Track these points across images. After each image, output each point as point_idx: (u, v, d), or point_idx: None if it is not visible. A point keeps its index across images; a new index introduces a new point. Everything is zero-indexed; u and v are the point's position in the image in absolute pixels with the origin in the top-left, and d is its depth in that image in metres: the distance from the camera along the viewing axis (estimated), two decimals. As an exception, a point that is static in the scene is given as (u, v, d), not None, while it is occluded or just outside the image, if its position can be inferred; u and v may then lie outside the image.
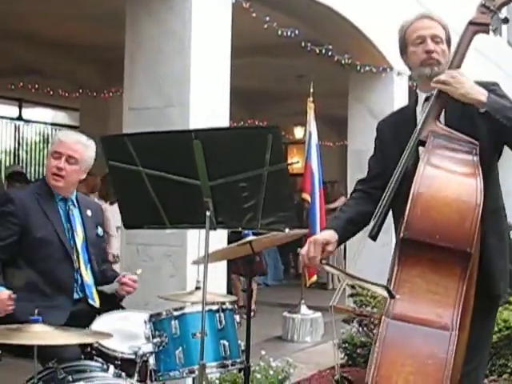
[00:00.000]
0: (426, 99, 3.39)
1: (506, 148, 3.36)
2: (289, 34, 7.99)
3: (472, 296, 3.04)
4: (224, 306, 3.91)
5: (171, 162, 3.32)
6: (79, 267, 4.23)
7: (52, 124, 16.39)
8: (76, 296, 4.21)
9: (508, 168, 8.48)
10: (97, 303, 4.30)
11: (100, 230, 4.48)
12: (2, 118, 15.37)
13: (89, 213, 4.41)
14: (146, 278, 5.86)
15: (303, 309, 9.15)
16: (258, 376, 5.56)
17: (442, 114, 3.34)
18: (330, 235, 3.40)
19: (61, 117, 16.59)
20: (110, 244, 8.60)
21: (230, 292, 8.87)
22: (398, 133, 3.48)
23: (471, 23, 3.35)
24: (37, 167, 16.11)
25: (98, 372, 3.60)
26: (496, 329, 6.06)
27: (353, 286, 7.04)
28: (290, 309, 9.30)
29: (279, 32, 7.86)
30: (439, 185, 3.01)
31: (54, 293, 4.09)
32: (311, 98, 9.34)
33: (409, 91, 10.19)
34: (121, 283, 4.28)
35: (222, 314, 3.87)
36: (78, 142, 4.28)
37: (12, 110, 15.51)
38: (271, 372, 5.71)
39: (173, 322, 3.79)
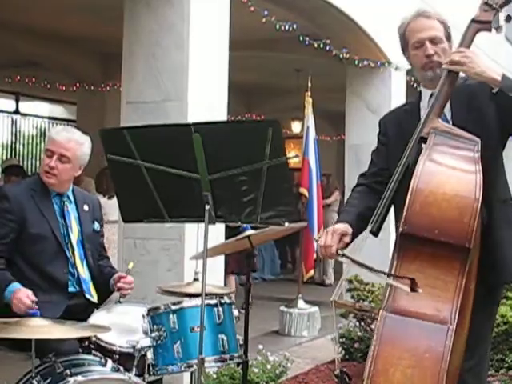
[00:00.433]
0: (432, 95, 3.38)
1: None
2: (287, 28, 7.98)
3: (471, 291, 3.04)
4: (222, 301, 3.90)
5: (170, 156, 3.31)
6: (75, 262, 4.21)
7: (49, 118, 16.37)
8: (72, 289, 4.19)
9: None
10: (94, 298, 4.28)
11: (97, 225, 4.46)
12: (-1, 111, 15.37)
13: (85, 208, 4.39)
14: (144, 271, 5.87)
15: (300, 303, 9.16)
16: (256, 370, 5.57)
17: (448, 107, 3.34)
18: (346, 227, 3.37)
19: (58, 110, 16.57)
20: None
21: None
22: (401, 128, 3.48)
23: (474, 21, 3.34)
24: (33, 161, 16.09)
25: (95, 366, 3.60)
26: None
27: (350, 281, 7.05)
28: (287, 303, 9.31)
29: (277, 26, 7.86)
30: (438, 181, 3.01)
31: (49, 287, 4.08)
32: (309, 93, 9.34)
33: (406, 86, 10.19)
34: (117, 289, 4.26)
35: (220, 309, 3.85)
36: (71, 140, 4.22)
37: (9, 104, 15.49)
38: (268, 366, 5.71)
39: (171, 316, 3.78)
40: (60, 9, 10.21)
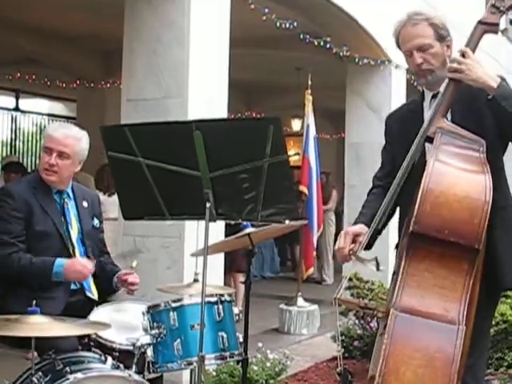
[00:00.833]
0: (433, 96, 3.39)
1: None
2: (287, 25, 7.97)
3: (477, 291, 3.06)
4: (222, 298, 3.90)
5: (171, 153, 3.31)
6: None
7: (49, 115, 16.35)
8: (73, 287, 4.20)
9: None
10: (95, 295, 4.28)
11: (96, 222, 4.46)
12: (-1, 108, 15.35)
13: (85, 204, 4.39)
14: (143, 269, 5.85)
15: (300, 301, 9.15)
16: (255, 368, 5.56)
17: (449, 112, 3.34)
18: (361, 227, 3.46)
19: (58, 108, 16.56)
20: None
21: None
22: (405, 128, 3.50)
23: (481, 22, 3.34)
24: (33, 158, 16.08)
25: (95, 363, 3.59)
26: (493, 322, 6.07)
27: (350, 279, 7.05)
28: (287, 301, 9.31)
29: (278, 24, 7.84)
30: (449, 182, 3.02)
31: (50, 284, 4.07)
32: (309, 91, 9.33)
33: (407, 84, 10.18)
34: (126, 284, 4.27)
35: (220, 306, 3.86)
36: (69, 137, 4.22)
37: (9, 101, 15.47)
38: (268, 364, 5.71)
39: (171, 313, 3.78)
40: (60, 6, 10.20)
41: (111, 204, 8.47)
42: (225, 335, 3.83)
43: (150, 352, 3.75)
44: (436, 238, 2.95)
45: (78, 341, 3.88)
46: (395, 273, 3.12)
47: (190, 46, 6.18)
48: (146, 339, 3.74)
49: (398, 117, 3.69)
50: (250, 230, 4.16)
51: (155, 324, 3.78)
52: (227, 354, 3.85)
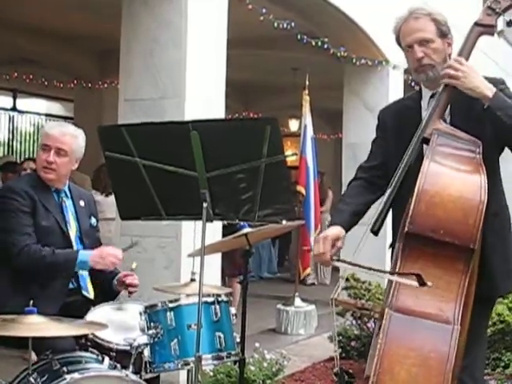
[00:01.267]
0: (432, 96, 3.38)
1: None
2: (285, 26, 7.97)
3: (473, 292, 3.05)
4: (219, 298, 3.91)
5: (168, 153, 3.31)
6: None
7: (46, 115, 16.34)
8: (70, 286, 4.20)
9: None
10: (91, 295, 4.29)
11: (93, 220, 4.47)
12: (-4, 108, 15.35)
13: (82, 203, 4.40)
14: (140, 269, 5.84)
15: (297, 301, 9.16)
16: (252, 368, 5.56)
17: (448, 113, 3.34)
18: (339, 231, 3.38)
19: (55, 108, 16.56)
20: None
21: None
22: (401, 125, 3.47)
23: (477, 24, 3.34)
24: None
25: (92, 363, 3.60)
26: (490, 322, 6.07)
27: (347, 279, 7.05)
28: (284, 301, 9.31)
29: (275, 24, 7.85)
30: (444, 182, 3.03)
31: (49, 282, 4.08)
32: (307, 91, 9.33)
33: (404, 84, 10.19)
34: (126, 285, 4.28)
35: (217, 306, 3.86)
36: (66, 134, 4.25)
37: (6, 101, 15.47)
38: (265, 364, 5.71)
39: (168, 313, 3.78)
40: (58, 6, 10.20)
41: (108, 204, 8.47)
42: (222, 335, 3.83)
43: (147, 352, 3.75)
44: (431, 238, 2.95)
45: (75, 341, 3.88)
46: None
47: (187, 46, 6.18)
48: (143, 339, 3.74)
49: (394, 112, 3.64)
50: (246, 230, 4.15)
51: (152, 324, 3.78)
52: (224, 354, 3.85)
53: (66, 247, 4.17)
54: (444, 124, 3.25)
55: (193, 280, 4.34)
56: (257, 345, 6.01)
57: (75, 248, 4.23)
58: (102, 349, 3.75)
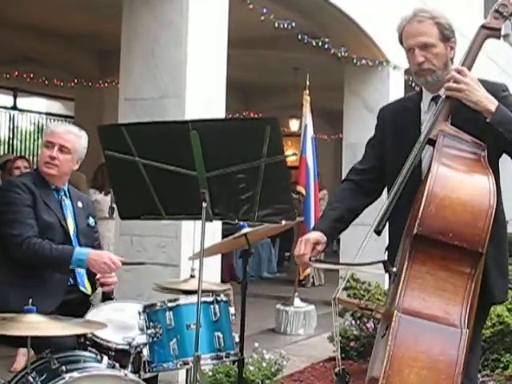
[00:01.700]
0: (433, 99, 3.37)
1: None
2: (285, 26, 7.98)
3: (477, 295, 3.04)
4: (219, 298, 3.90)
5: (168, 153, 3.31)
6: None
7: (47, 114, 16.36)
8: (68, 282, 4.21)
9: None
10: (88, 291, 4.30)
11: (91, 221, 4.48)
12: (-3, 107, 15.35)
13: (80, 204, 4.42)
14: (140, 268, 5.87)
15: (296, 301, 9.15)
16: (251, 368, 5.56)
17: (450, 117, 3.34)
18: (320, 236, 3.43)
19: (56, 107, 16.57)
20: None
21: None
22: (399, 126, 3.46)
23: (484, 27, 3.34)
24: (31, 157, 16.06)
25: (91, 362, 3.59)
26: (489, 324, 6.08)
27: (347, 280, 7.05)
28: (284, 301, 9.31)
29: (276, 24, 7.85)
30: (453, 185, 3.01)
31: (49, 278, 4.08)
32: (307, 91, 9.33)
33: (405, 85, 10.19)
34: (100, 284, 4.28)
35: (216, 306, 3.85)
36: (70, 133, 4.31)
37: (7, 100, 15.47)
38: (264, 364, 5.71)
39: (167, 313, 3.77)
40: (59, 6, 10.20)
41: (108, 203, 8.49)
42: (221, 335, 3.83)
43: (145, 351, 3.74)
44: (439, 240, 2.94)
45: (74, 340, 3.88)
46: (395, 274, 3.12)
47: (188, 46, 6.18)
48: (142, 339, 3.74)
49: (392, 111, 3.61)
50: (246, 230, 4.15)
51: (151, 323, 3.77)
52: (223, 353, 3.84)
53: (66, 242, 4.19)
54: (449, 126, 3.24)
55: (192, 276, 4.34)
56: (256, 345, 6.01)
57: (74, 244, 4.24)
58: (101, 348, 3.75)
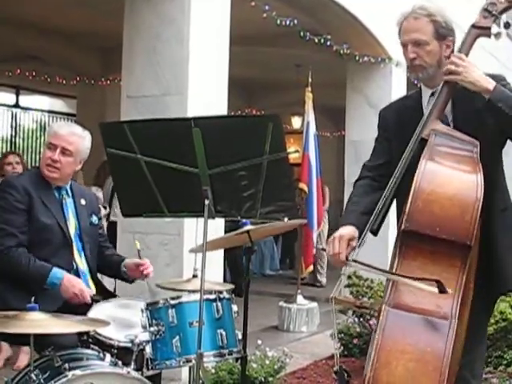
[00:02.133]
0: (432, 94, 3.38)
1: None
2: (288, 23, 7.97)
3: (471, 289, 3.07)
4: (221, 295, 3.89)
5: (170, 150, 3.31)
6: (73, 255, 4.22)
7: (49, 112, 16.35)
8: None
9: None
10: (92, 291, 4.28)
11: (95, 218, 4.46)
12: (-1, 105, 15.34)
13: (83, 202, 4.40)
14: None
15: (299, 299, 9.15)
16: (254, 365, 5.56)
17: (450, 109, 3.34)
18: (353, 230, 3.32)
19: (58, 104, 16.55)
20: None
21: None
22: (402, 125, 3.47)
23: (474, 26, 3.35)
24: (33, 155, 16.07)
25: (94, 360, 3.59)
26: (492, 321, 6.07)
27: (349, 277, 7.04)
28: (286, 299, 9.31)
29: (278, 21, 7.84)
30: (440, 180, 3.04)
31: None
32: (309, 88, 9.32)
33: (407, 82, 10.18)
34: (142, 276, 4.28)
35: (219, 304, 3.85)
36: (73, 134, 4.25)
37: (9, 98, 15.47)
38: (267, 362, 5.70)
39: (170, 310, 3.77)
40: (60, 3, 10.20)
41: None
42: (224, 332, 3.82)
43: (148, 349, 3.74)
44: (428, 235, 2.96)
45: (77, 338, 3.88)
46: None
47: (190, 43, 6.18)
48: (145, 336, 3.73)
49: (394, 111, 3.63)
50: (249, 226, 4.14)
51: (154, 321, 3.77)
52: (226, 351, 3.84)
53: (64, 245, 4.17)
54: (442, 125, 3.26)
55: (195, 276, 4.33)
56: (259, 342, 6.01)
57: (75, 246, 4.23)
58: (104, 346, 3.74)
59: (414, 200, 2.98)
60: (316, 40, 8.75)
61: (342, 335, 7.09)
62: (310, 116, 9.37)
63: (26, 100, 15.82)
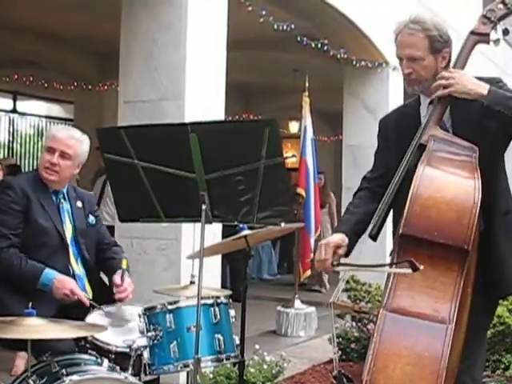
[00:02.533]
0: (431, 102, 3.38)
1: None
2: (285, 28, 7.98)
3: (469, 294, 3.07)
4: (219, 300, 3.89)
5: (167, 155, 3.31)
6: (69, 260, 4.22)
7: (46, 117, 16.35)
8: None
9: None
10: (89, 295, 4.28)
11: (92, 218, 4.45)
12: (-3, 110, 15.34)
13: (79, 204, 4.39)
14: (140, 271, 5.87)
15: (297, 303, 9.15)
16: (252, 370, 5.56)
17: (448, 117, 3.35)
18: (341, 238, 3.36)
19: (55, 110, 16.55)
20: None
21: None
22: (401, 133, 3.48)
23: (472, 33, 3.36)
24: (31, 160, 16.07)
25: (92, 365, 3.59)
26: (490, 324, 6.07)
27: (347, 281, 7.04)
28: (284, 303, 9.30)
29: (275, 26, 7.85)
30: (438, 184, 3.06)
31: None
32: (307, 93, 9.33)
33: (404, 86, 10.18)
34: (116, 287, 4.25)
35: (216, 308, 3.85)
36: (72, 138, 4.25)
37: (6, 103, 15.47)
38: (265, 366, 5.71)
39: (167, 315, 3.77)
40: (57, 8, 10.21)
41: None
42: (221, 337, 3.82)
43: (146, 354, 3.74)
44: (425, 239, 2.97)
45: (74, 343, 3.88)
46: (388, 276, 3.13)
47: (187, 48, 6.18)
48: (143, 341, 3.73)
49: (394, 120, 3.65)
50: (246, 232, 4.14)
51: (152, 326, 3.77)
52: (224, 356, 3.84)
53: (61, 248, 4.17)
54: (440, 130, 3.27)
55: (192, 283, 4.33)
56: (257, 347, 6.01)
57: (70, 250, 4.22)
58: (101, 351, 3.74)
59: (412, 205, 2.99)
60: (313, 45, 8.76)
61: (340, 340, 7.08)
62: (308, 120, 9.37)
63: (23, 105, 15.81)
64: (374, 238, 3.31)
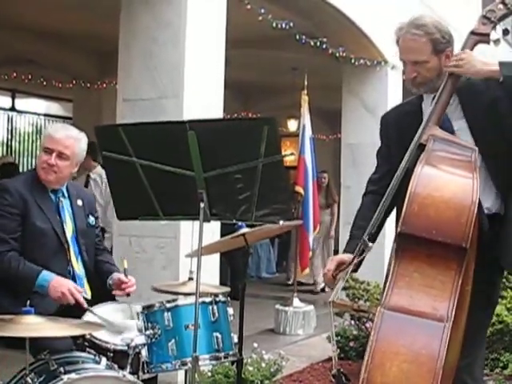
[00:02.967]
0: (434, 98, 3.38)
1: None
2: (283, 26, 7.97)
3: (468, 292, 3.08)
4: (217, 299, 3.90)
5: (165, 153, 3.31)
6: (70, 259, 4.21)
7: (45, 115, 16.32)
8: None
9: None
10: (88, 295, 4.27)
11: (92, 219, 4.44)
12: (-5, 108, 15.33)
13: (79, 202, 4.38)
14: (139, 269, 5.86)
15: (295, 301, 9.15)
16: (251, 368, 5.56)
17: (460, 111, 3.36)
18: (347, 256, 3.49)
19: (54, 108, 16.53)
20: None
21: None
22: (402, 131, 3.48)
23: (472, 33, 3.37)
24: (29, 158, 16.05)
25: (90, 364, 3.59)
26: (488, 323, 6.08)
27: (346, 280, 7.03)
28: (283, 301, 9.31)
29: (274, 24, 7.84)
30: (436, 183, 3.07)
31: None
32: (305, 91, 9.33)
33: (403, 85, 10.18)
34: (123, 293, 4.24)
35: (215, 307, 3.85)
36: (69, 137, 4.22)
37: (5, 101, 15.45)
38: (263, 365, 5.70)
39: (165, 314, 3.78)
40: (57, 7, 10.19)
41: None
42: (219, 336, 3.83)
43: (144, 352, 3.74)
44: (424, 238, 2.97)
45: (72, 341, 3.87)
46: (387, 275, 3.14)
47: (186, 46, 6.18)
48: (141, 339, 3.73)
49: (395, 119, 3.65)
50: (245, 230, 4.14)
51: (150, 324, 3.77)
52: (222, 354, 3.84)
53: (60, 249, 4.16)
54: (440, 130, 3.27)
55: (191, 279, 4.33)
56: (255, 345, 6.01)
57: (71, 249, 4.21)
58: (100, 349, 3.74)
59: (410, 203, 3.00)
60: (312, 43, 8.75)
61: (339, 338, 7.08)
62: (306, 119, 9.37)
63: (22, 103, 15.79)
64: (372, 238, 3.32)
